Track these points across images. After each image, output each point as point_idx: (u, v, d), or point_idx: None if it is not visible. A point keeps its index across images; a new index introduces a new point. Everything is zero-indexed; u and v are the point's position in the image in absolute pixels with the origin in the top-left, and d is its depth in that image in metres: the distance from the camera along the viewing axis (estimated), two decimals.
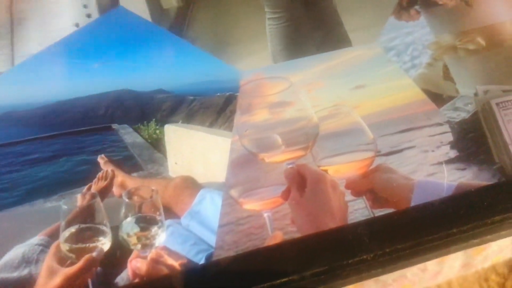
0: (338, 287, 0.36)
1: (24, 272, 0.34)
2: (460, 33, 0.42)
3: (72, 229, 0.35)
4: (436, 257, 0.38)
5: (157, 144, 0.37)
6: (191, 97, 0.38)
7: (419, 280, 0.53)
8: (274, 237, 0.36)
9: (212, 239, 0.35)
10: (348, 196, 0.38)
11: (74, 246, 0.34)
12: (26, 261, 0.34)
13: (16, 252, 0.35)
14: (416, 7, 0.42)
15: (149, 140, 0.37)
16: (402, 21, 0.42)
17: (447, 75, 0.41)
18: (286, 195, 0.37)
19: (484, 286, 0.61)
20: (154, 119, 0.37)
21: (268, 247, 0.35)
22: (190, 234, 0.36)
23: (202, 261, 0.34)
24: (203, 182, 0.36)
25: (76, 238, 0.34)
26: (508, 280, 0.61)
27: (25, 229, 0.35)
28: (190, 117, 0.38)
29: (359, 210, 0.37)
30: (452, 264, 0.54)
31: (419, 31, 0.41)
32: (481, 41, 0.42)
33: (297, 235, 0.36)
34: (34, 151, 0.36)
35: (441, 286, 0.59)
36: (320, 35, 0.41)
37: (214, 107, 0.38)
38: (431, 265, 0.53)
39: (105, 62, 0.37)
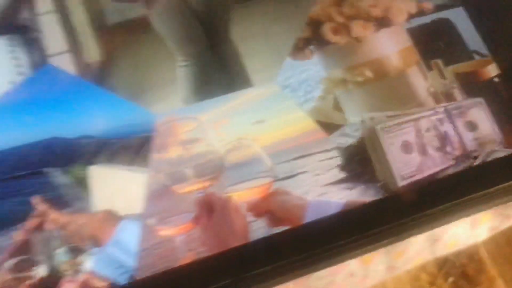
0: None
1: None
2: (350, 67, 0.52)
3: (14, 260, 0.44)
4: (329, 266, 0.48)
5: (82, 183, 0.47)
6: (113, 140, 0.48)
7: (349, 284, 0.63)
8: (187, 258, 0.46)
9: (133, 263, 0.45)
10: (250, 217, 0.47)
11: (17, 274, 0.44)
12: None
13: None
14: (311, 47, 0.53)
15: (75, 181, 0.47)
16: (298, 60, 0.52)
17: (336, 106, 0.51)
18: (196, 220, 0.47)
19: (416, 285, 0.71)
20: (80, 162, 0.47)
21: (181, 265, 0.45)
22: (114, 259, 0.45)
23: (125, 282, 0.44)
24: (124, 214, 0.46)
25: (18, 267, 0.44)
26: (437, 278, 0.71)
27: None
28: (112, 158, 0.47)
29: (260, 229, 0.47)
30: (376, 268, 0.64)
31: (313, 69, 0.52)
32: (369, 73, 0.52)
33: (207, 254, 0.45)
34: None
35: (376, 287, 0.69)
36: (225, 78, 0.51)
37: (133, 147, 0.48)
38: (358, 270, 0.63)
39: (37, 114, 0.47)
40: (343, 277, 0.62)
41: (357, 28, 0.53)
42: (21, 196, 0.46)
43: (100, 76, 0.50)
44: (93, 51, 0.52)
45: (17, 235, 0.44)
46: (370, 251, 0.46)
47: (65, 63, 0.50)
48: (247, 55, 0.51)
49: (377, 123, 0.50)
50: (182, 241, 0.45)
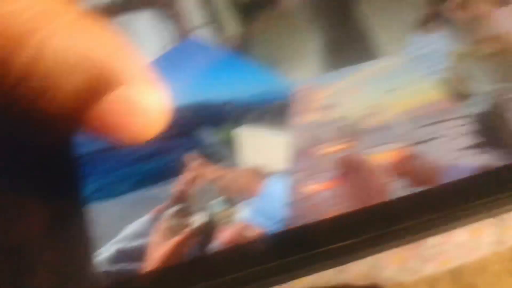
0: (384, 250, 0.49)
1: (140, 242, 0.48)
2: (474, 42, 0.55)
3: (175, 208, 0.49)
4: (464, 225, 0.50)
5: (231, 143, 0.51)
6: (256, 105, 0.52)
7: (457, 255, 0.65)
8: (331, 212, 0.49)
9: (281, 214, 0.49)
10: (387, 178, 0.51)
11: (177, 221, 0.48)
12: (141, 234, 0.48)
13: (133, 227, 0.49)
14: (436, 22, 0.56)
15: (224, 141, 0.51)
16: (424, 34, 0.56)
17: (463, 77, 0.54)
18: (338, 179, 0.50)
19: None
20: (227, 124, 0.52)
21: (327, 218, 0.49)
22: (264, 211, 0.49)
23: (275, 231, 0.48)
24: (270, 171, 0.50)
25: (178, 215, 0.49)
26: None
27: (138, 210, 0.49)
28: (256, 121, 0.52)
29: (397, 189, 0.50)
30: (484, 240, 0.66)
31: (438, 42, 0.54)
32: (492, 47, 0.55)
33: (349, 209, 0.49)
34: (136, 151, 0.50)
35: (479, 262, 0.71)
36: (357, 50, 0.55)
37: (274, 112, 0.52)
38: (467, 241, 0.65)
39: (186, 81, 0.52)
40: (452, 248, 0.64)
41: (479, 5, 0.56)
42: (178, 153, 0.50)
43: (240, 47, 0.55)
44: (232, 25, 0.56)
45: (175, 187, 0.49)
46: (502, 213, 0.49)
47: (207, 35, 0.55)
48: (376, 29, 0.54)
49: (503, 93, 0.52)
50: (326, 197, 0.48)
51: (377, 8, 0.56)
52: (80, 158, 0.48)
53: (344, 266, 0.59)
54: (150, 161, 0.49)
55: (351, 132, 0.50)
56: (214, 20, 0.56)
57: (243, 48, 0.55)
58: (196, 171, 0.49)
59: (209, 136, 0.51)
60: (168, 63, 0.53)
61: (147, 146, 0.51)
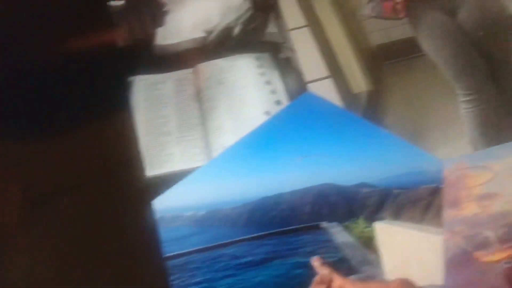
0: None
1: None
2: None
3: None
4: None
5: (368, 243, 0.39)
6: (397, 191, 0.40)
7: None
8: None
9: None
10: None
11: None
12: None
13: None
14: None
15: (359, 240, 0.40)
16: None
17: None
18: None
19: None
20: (360, 215, 0.40)
21: None
22: None
23: None
24: (421, 285, 0.39)
25: None
26: None
27: None
28: (397, 213, 0.40)
29: None
30: None
31: None
32: None
33: None
34: (246, 253, 0.38)
35: None
36: None
37: (421, 201, 0.40)
38: None
39: (301, 153, 0.40)
40: None
41: None
42: (298, 256, 0.38)
43: (370, 109, 0.43)
44: (358, 79, 0.44)
45: None
46: None
47: (325, 91, 0.43)
48: None
49: None
50: None
51: None
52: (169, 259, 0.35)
53: None
54: (262, 268, 0.37)
55: None
56: (334, 71, 0.43)
57: (371, 110, 0.43)
58: (324, 284, 0.37)
59: (339, 232, 0.39)
60: (281, 127, 0.41)
61: (257, 245, 0.38)
